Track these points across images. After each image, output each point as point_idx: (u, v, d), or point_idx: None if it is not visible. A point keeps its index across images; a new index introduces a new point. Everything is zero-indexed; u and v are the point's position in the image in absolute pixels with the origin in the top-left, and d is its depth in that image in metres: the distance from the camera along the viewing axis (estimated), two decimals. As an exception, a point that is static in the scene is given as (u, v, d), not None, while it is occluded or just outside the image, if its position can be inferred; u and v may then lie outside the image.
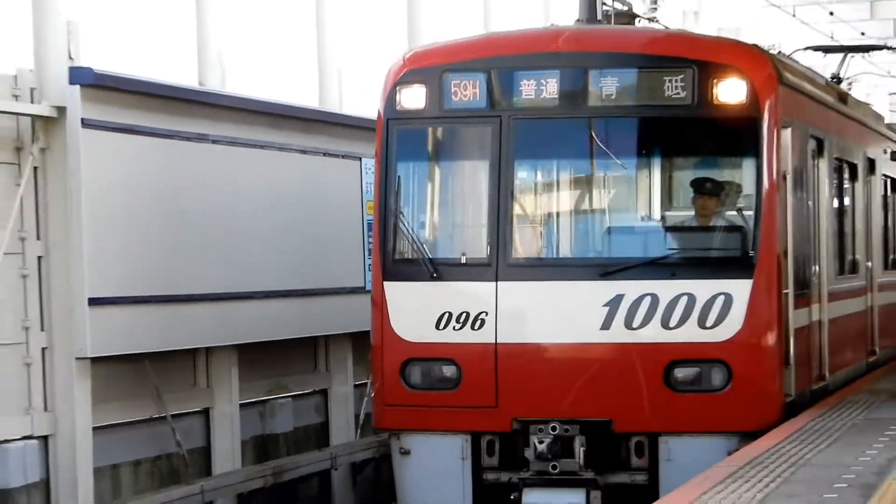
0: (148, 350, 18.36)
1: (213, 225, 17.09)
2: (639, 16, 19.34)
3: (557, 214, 14.71)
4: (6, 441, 16.68)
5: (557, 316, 13.75)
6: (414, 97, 14.29)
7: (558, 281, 13.98)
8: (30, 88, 17.16)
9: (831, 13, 32.51)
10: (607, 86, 13.82)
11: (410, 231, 14.38)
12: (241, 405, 20.60)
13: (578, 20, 15.79)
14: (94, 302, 17.14)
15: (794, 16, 32.22)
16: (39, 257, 17.29)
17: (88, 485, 17.27)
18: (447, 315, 13.80)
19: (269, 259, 19.66)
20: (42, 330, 17.30)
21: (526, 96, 14.03)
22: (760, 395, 13.50)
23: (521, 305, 13.84)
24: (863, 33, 32.82)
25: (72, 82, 17.14)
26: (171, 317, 18.38)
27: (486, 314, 13.71)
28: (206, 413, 19.95)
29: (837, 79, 20.24)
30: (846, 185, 18.43)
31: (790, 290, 14.16)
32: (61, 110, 17.19)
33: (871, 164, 20.10)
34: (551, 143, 14.50)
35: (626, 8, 17.52)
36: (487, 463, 13.92)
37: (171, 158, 18.64)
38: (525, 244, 14.37)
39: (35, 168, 17.20)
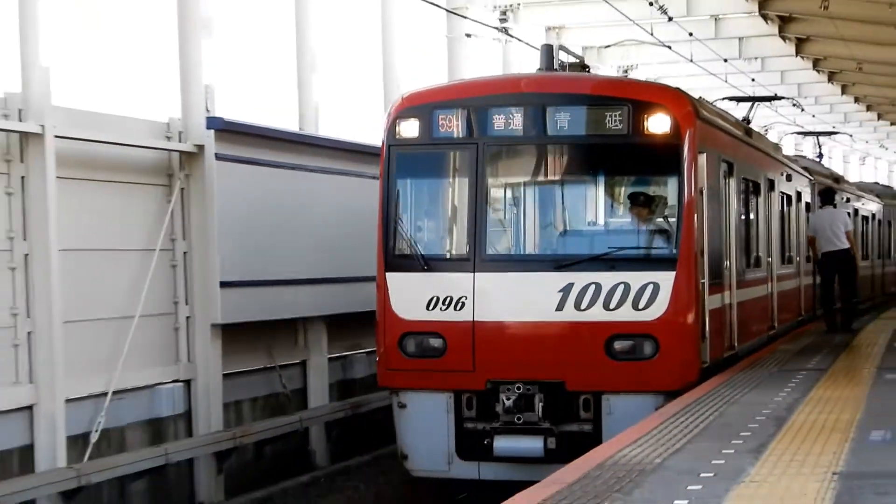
0: (262, 319, 18.64)
1: (305, 229, 17.18)
2: (588, 66, 18.96)
3: (522, 220, 14.39)
4: (160, 384, 17.13)
5: (521, 300, 13.48)
6: (410, 128, 14.04)
7: (522, 272, 13.81)
8: (178, 132, 17.50)
9: (753, 79, 31.87)
10: (560, 117, 13.52)
11: (406, 232, 14.25)
12: (329, 358, 20.66)
13: (539, 69, 15.52)
14: (224, 285, 17.52)
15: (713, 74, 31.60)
16: (185, 252, 17.66)
17: (219, 415, 17.64)
18: (435, 298, 13.57)
19: (344, 253, 19.51)
20: (186, 304, 17.66)
21: (497, 128, 13.72)
22: (682, 362, 13.36)
23: (493, 291, 13.55)
24: (753, 79, 32.15)
25: (208, 128, 17.51)
26: (277, 295, 18.57)
27: (466, 298, 13.48)
28: (303, 364, 20.12)
29: (746, 120, 19.99)
30: (751, 199, 18.27)
31: (706, 280, 14.03)
32: (200, 147, 17.56)
33: (770, 184, 19.97)
34: (517, 164, 14.40)
35: (577, 60, 17.17)
36: (467, 415, 13.60)
37: (277, 182, 18.79)
38: (496, 243, 14.11)
39: (182, 189, 17.53)
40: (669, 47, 29.28)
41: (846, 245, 21.54)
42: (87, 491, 14.82)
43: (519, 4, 27.37)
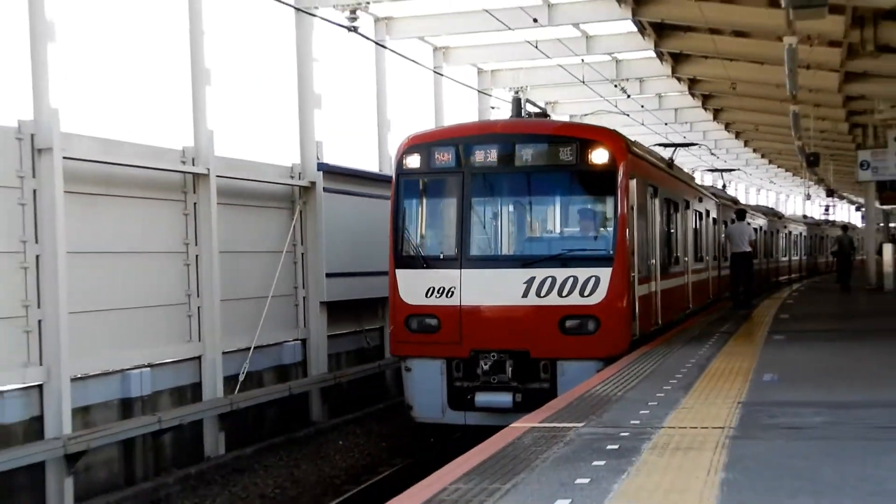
0: (353, 298, 18.84)
1: (379, 237, 17.00)
2: (549, 115, 18.21)
3: (497, 229, 13.47)
4: (285, 342, 17.33)
5: (496, 289, 12.71)
6: (413, 159, 13.39)
7: (497, 269, 12.97)
8: (298, 172, 17.77)
9: (685, 136, 30.59)
10: (525, 152, 12.84)
11: (411, 239, 13.54)
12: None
13: (511, 116, 14.71)
14: (328, 275, 17.78)
15: (642, 124, 30.12)
16: (302, 253, 17.82)
17: (324, 362, 17.83)
18: (432, 288, 12.85)
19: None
20: (303, 288, 17.86)
21: (479, 159, 13.01)
22: (616, 336, 12.61)
23: (475, 283, 12.73)
24: (685, 136, 30.69)
25: (318, 170, 17.80)
26: (363, 282, 18.62)
27: (455, 288, 12.71)
28: (381, 329, 20.00)
29: (671, 159, 18.92)
30: (672, 214, 17.57)
31: (636, 274, 13.37)
32: (313, 183, 17.79)
33: (687, 203, 19.16)
34: (494, 187, 13.37)
35: (539, 109, 16.16)
36: (455, 376, 12.82)
37: (363, 206, 18.94)
38: (477, 247, 13.23)
39: (300, 211, 17.76)
40: (627, 114, 28.84)
41: (748, 249, 21.90)
42: (237, 414, 15.15)
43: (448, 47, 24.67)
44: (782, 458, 6.38)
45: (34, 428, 11.72)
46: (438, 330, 12.75)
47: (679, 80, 25.69)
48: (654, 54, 22.94)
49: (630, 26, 20.27)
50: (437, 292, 12.77)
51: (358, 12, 17.54)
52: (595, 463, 6.36)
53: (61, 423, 11.86)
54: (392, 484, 11.56)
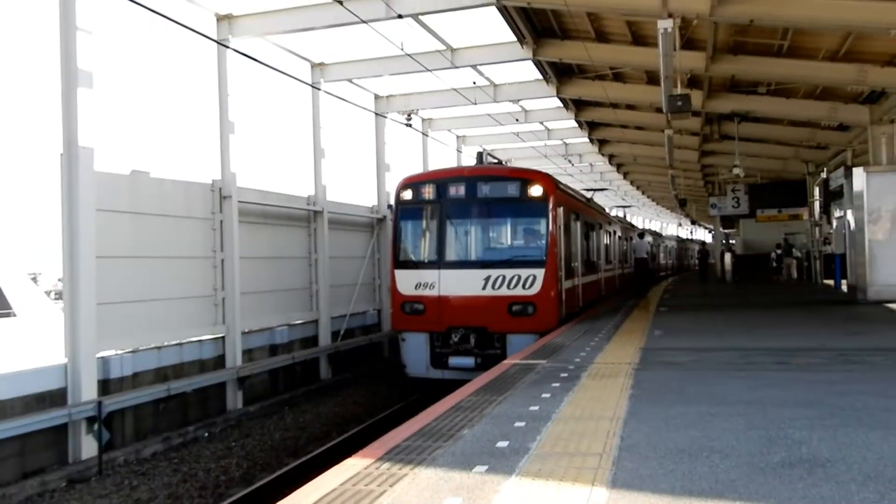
0: None
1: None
2: (503, 163, 16.85)
3: (466, 242, 11.83)
4: (367, 311, 16.94)
5: (465, 284, 11.23)
6: (408, 194, 11.88)
7: (465, 269, 11.32)
8: (376, 210, 17.55)
9: (606, 188, 29.77)
10: (485, 188, 11.56)
11: (405, 249, 12.01)
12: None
13: (476, 163, 12.94)
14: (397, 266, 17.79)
15: (571, 175, 27.47)
16: (377, 258, 17.52)
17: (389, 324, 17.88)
18: (420, 283, 11.40)
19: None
20: (379, 279, 17.56)
21: (452, 193, 11.65)
22: (547, 316, 11.16)
23: (450, 279, 11.29)
24: (606, 188, 28.91)
25: (388, 208, 17.44)
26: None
27: (436, 283, 11.30)
28: None
29: (590, 198, 18.01)
30: (590, 233, 15.88)
31: (563, 273, 11.96)
32: (384, 217, 17.54)
33: (600, 226, 17.68)
34: (463, 213, 11.78)
35: (496, 161, 15.26)
36: (436, 345, 11.38)
37: None
38: (452, 254, 11.59)
39: (377, 232, 17.50)
40: (571, 163, 27.10)
41: (645, 256, 21.94)
42: (339, 353, 14.98)
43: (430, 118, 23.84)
44: (665, 381, 6.30)
45: (220, 363, 11.78)
46: (424, 312, 11.41)
47: (602, 155, 25.44)
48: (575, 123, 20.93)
49: (558, 102, 18.37)
50: (423, 286, 11.41)
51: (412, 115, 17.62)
52: (553, 385, 6.30)
53: (236, 359, 11.93)
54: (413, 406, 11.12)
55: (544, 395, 5.81)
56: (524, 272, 11.15)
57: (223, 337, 11.83)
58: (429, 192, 11.83)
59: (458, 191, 11.68)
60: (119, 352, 9.89)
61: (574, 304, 13.13)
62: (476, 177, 11.77)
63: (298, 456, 9.57)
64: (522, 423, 4.84)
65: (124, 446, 9.41)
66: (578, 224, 13.96)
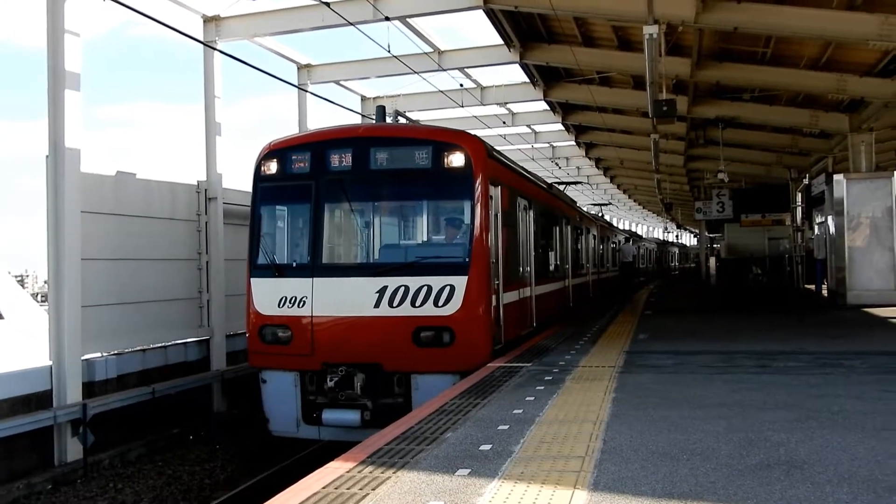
0: None
1: None
2: (409, 118, 14.28)
3: (352, 237, 8.55)
4: None
5: (348, 299, 7.68)
6: (272, 166, 8.25)
7: (349, 277, 7.81)
8: None
9: (582, 182, 27.34)
10: (381, 157, 7.96)
11: (265, 248, 8.33)
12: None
13: (378, 122, 9.25)
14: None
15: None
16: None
17: None
18: (284, 298, 7.90)
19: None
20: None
21: (334, 164, 8.02)
22: (473, 347, 7.74)
23: (327, 292, 7.77)
24: (582, 181, 27.32)
25: None
26: None
27: (307, 298, 7.75)
28: None
29: (550, 184, 14.15)
30: (552, 229, 12.53)
31: (500, 281, 8.37)
32: None
33: (567, 220, 14.16)
34: (348, 192, 8.18)
35: (410, 122, 12.60)
36: (309, 390, 7.91)
37: None
38: (330, 255, 8.24)
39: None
40: (558, 166, 26.04)
41: (631, 260, 22.14)
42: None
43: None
44: (648, 384, 6.32)
45: (204, 365, 11.67)
46: (291, 341, 7.91)
47: (589, 158, 25.57)
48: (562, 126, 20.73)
49: (545, 105, 17.99)
50: (290, 302, 7.88)
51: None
52: (538, 388, 6.30)
53: (220, 361, 11.82)
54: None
55: (528, 399, 5.82)
56: (437, 281, 7.64)
57: (207, 340, 11.68)
58: (301, 162, 8.25)
59: (342, 160, 8.10)
60: (104, 354, 9.79)
61: (523, 324, 9.80)
62: (369, 139, 8.17)
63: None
64: (506, 427, 4.83)
65: (108, 449, 9.32)
66: (531, 214, 10.50)
